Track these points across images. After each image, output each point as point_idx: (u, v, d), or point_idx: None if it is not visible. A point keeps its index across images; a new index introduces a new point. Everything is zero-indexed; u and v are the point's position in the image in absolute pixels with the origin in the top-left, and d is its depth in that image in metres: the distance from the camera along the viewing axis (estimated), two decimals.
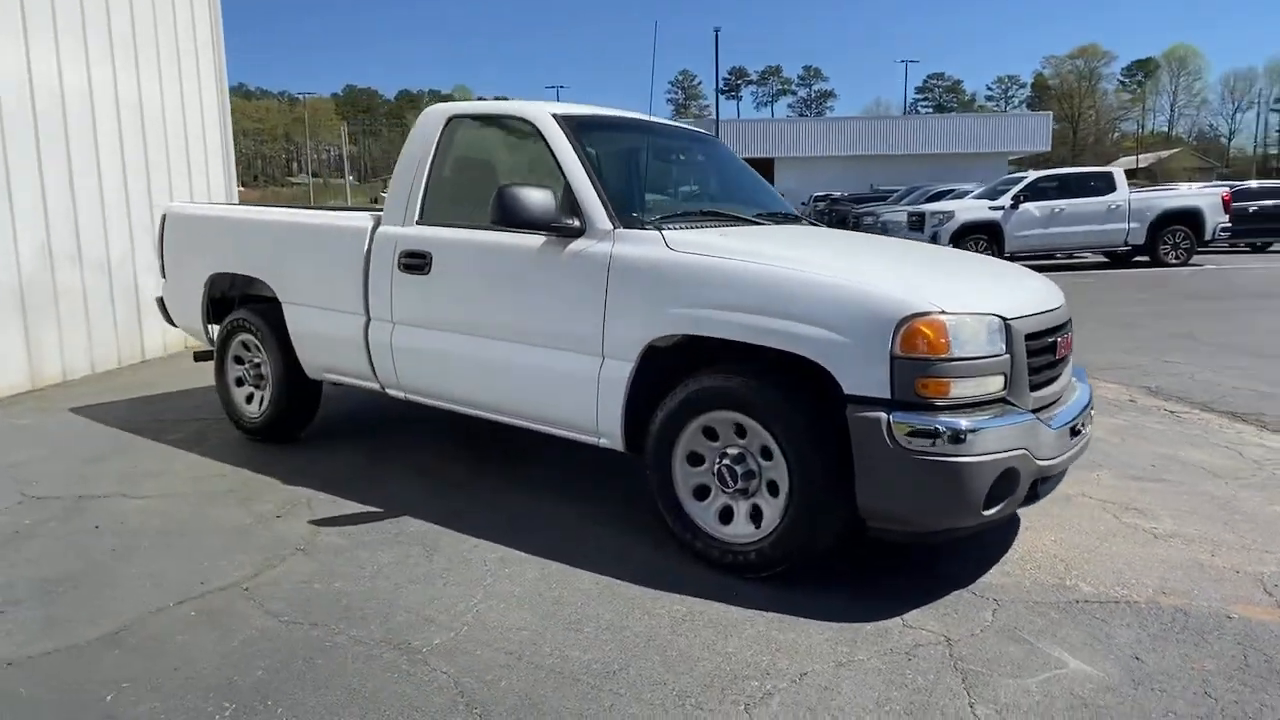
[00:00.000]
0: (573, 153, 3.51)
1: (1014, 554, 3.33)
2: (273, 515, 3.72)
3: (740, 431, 3.05)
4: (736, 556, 3.05)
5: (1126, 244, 15.72)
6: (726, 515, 3.13)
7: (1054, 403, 3.11)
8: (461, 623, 2.76)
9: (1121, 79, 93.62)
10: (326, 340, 4.34)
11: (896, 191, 25.19)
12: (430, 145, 4.00)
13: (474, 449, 4.81)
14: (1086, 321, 8.98)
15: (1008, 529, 3.52)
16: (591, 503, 3.89)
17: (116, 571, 3.16)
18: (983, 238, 15.17)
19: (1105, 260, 17.20)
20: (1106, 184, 15.82)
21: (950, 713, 2.28)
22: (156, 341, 7.75)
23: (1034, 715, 2.27)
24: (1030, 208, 15.37)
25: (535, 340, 3.52)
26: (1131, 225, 15.53)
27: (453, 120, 4.01)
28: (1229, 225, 15.95)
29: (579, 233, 3.38)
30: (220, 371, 4.99)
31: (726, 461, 3.07)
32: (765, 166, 35.53)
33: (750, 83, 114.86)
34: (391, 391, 4.18)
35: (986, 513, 2.75)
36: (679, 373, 3.21)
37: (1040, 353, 3.02)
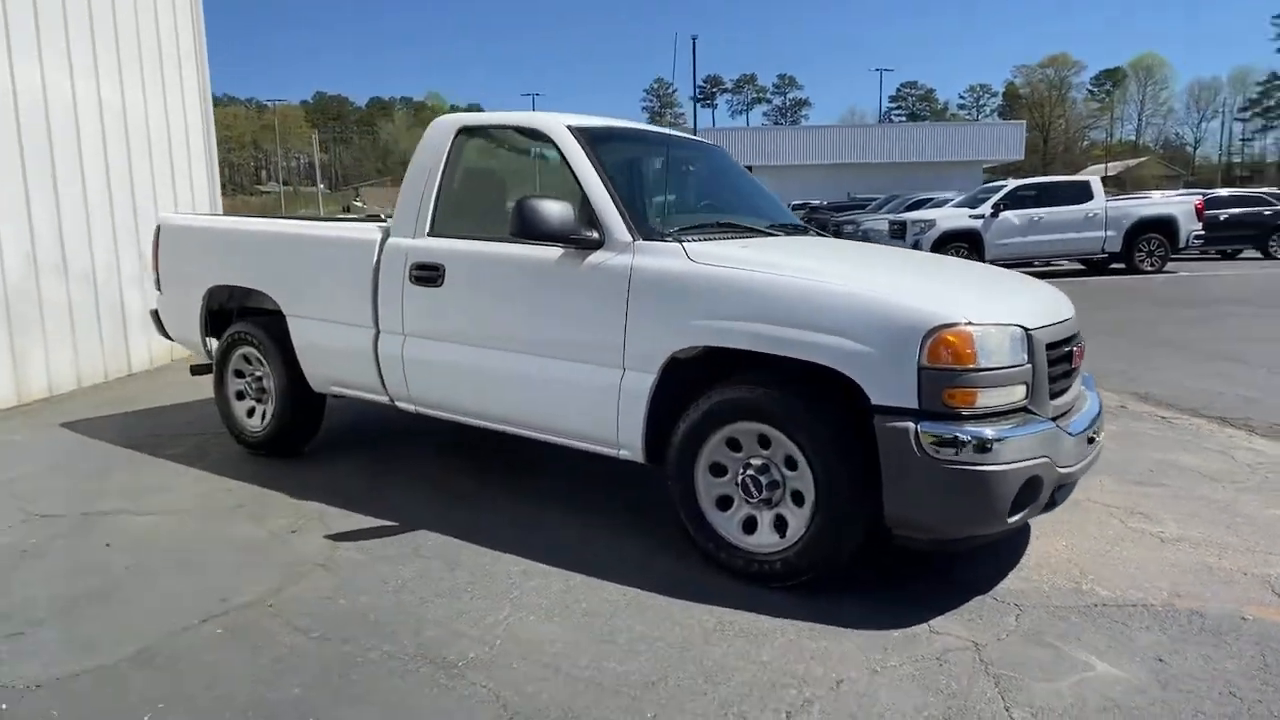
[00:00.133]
0: (590, 165, 3.53)
1: (1029, 559, 3.38)
2: (287, 530, 3.69)
3: (764, 442, 3.08)
4: (762, 566, 3.07)
5: (1103, 251, 15.99)
6: (750, 525, 3.15)
7: (1069, 411, 3.17)
8: (493, 636, 2.76)
9: (1090, 88, 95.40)
10: (333, 353, 4.31)
11: (875, 200, 25.45)
12: (440, 157, 4.00)
13: (478, 460, 4.80)
14: None
15: (1020, 535, 3.58)
16: (603, 513, 3.90)
17: (135, 589, 3.13)
18: (963, 246, 15.36)
19: (1082, 268, 17.47)
20: (1084, 193, 16.11)
21: (988, 716, 2.32)
22: (142, 355, 7.65)
23: (1068, 717, 2.31)
24: (1010, 216, 15.61)
25: (553, 352, 3.53)
26: (1108, 233, 15.82)
27: (463, 131, 4.01)
28: (1202, 233, 16.29)
29: (597, 245, 3.40)
30: (220, 385, 4.94)
31: (751, 472, 3.10)
32: None
33: (726, 91, 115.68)
34: (401, 404, 4.16)
35: (1011, 519, 2.80)
36: (699, 384, 3.23)
37: (1057, 362, 3.08)
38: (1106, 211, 15.90)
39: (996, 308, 2.90)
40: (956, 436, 2.68)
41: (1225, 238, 19.20)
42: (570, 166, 3.56)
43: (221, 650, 2.67)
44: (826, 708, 2.36)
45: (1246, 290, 13.53)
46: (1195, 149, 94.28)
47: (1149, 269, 16.03)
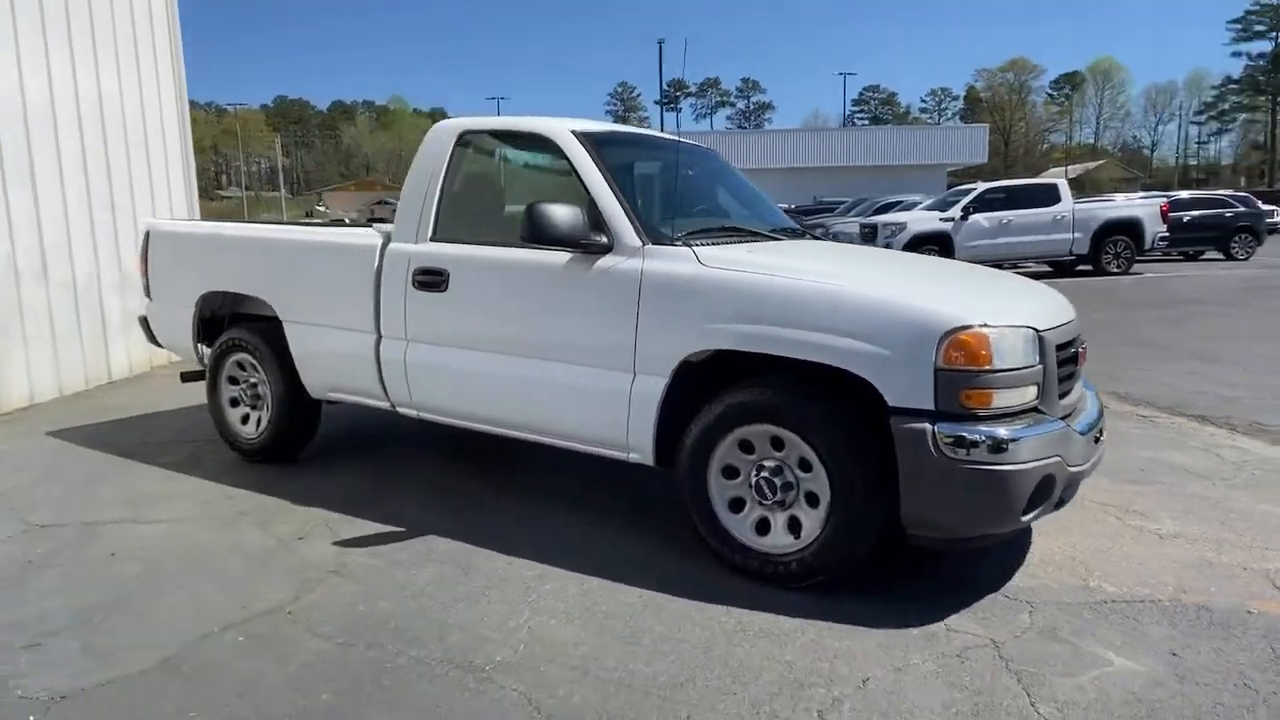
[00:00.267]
0: (596, 170, 3.54)
1: (1033, 558, 3.45)
2: (294, 537, 3.66)
3: (777, 444, 3.12)
4: (777, 567, 3.10)
5: (1071, 254, 16.31)
6: (763, 527, 3.19)
7: (1073, 411, 3.25)
8: (517, 639, 2.76)
9: (1050, 92, 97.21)
10: (333, 359, 4.28)
11: (842, 203, 25.69)
12: (441, 162, 3.99)
13: (477, 463, 4.80)
14: None
15: (1023, 534, 3.65)
16: (607, 514, 3.93)
17: (149, 599, 3.09)
18: (934, 248, 15.55)
19: (1049, 270, 17.80)
20: (1051, 195, 16.43)
21: (1015, 712, 2.37)
22: (123, 362, 7.51)
23: (1094, 712, 2.37)
24: (979, 219, 15.86)
25: (561, 356, 3.54)
26: (1075, 235, 16.14)
27: (464, 136, 4.01)
28: (1167, 235, 16.68)
29: (606, 249, 3.41)
30: (213, 392, 4.88)
31: (764, 474, 3.14)
32: None
33: (689, 95, 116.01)
34: (403, 410, 4.14)
35: (1025, 518, 2.86)
36: (708, 387, 3.26)
37: (1063, 363, 3.15)
38: (1074, 214, 16.23)
39: (1009, 310, 2.96)
40: (973, 437, 2.73)
41: (1188, 239, 19.67)
42: (576, 172, 3.57)
43: (247, 658, 2.65)
44: (856, 706, 2.40)
45: (1211, 291, 13.87)
46: (1152, 152, 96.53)
47: (1116, 270, 16.38)
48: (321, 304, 4.29)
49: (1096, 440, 3.25)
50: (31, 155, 6.45)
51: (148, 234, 5.15)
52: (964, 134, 41.58)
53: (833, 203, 27.46)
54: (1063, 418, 3.10)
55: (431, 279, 3.84)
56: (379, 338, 4.07)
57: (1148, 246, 16.52)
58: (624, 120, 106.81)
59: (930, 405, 2.78)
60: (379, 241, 4.08)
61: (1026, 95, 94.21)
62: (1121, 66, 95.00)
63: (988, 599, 3.07)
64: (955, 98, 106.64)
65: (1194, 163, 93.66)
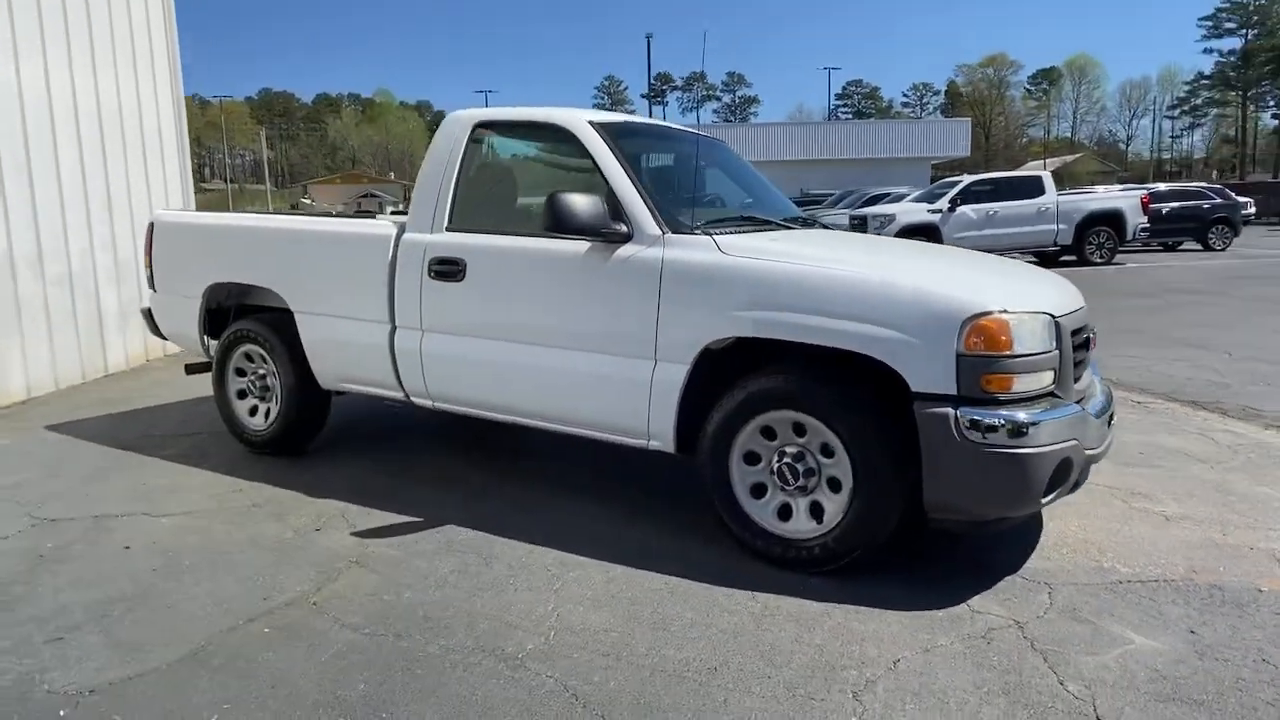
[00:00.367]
0: (615, 160, 3.55)
1: (1046, 540, 3.51)
2: (311, 529, 3.65)
3: (799, 430, 3.14)
4: (800, 551, 3.13)
5: (1055, 244, 16.50)
6: (784, 512, 3.22)
7: (1084, 396, 3.29)
8: (546, 627, 2.78)
9: (1028, 87, 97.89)
10: (346, 350, 4.26)
11: (830, 195, 25.78)
12: (456, 152, 3.98)
13: (485, 452, 4.80)
14: None
15: (1034, 516, 3.70)
16: (621, 502, 3.95)
17: (169, 591, 3.07)
18: (922, 240, 15.67)
19: (1035, 260, 17.96)
20: (1036, 187, 16.62)
21: (1044, 689, 2.41)
22: (119, 355, 7.44)
23: (1120, 689, 2.42)
24: (966, 210, 16.01)
25: (581, 345, 3.54)
26: (1060, 226, 16.33)
27: (479, 127, 4.00)
28: (1148, 226, 16.89)
29: (626, 238, 3.42)
30: (220, 384, 4.85)
31: (786, 460, 3.16)
32: None
33: (675, 88, 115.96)
34: (418, 400, 4.13)
35: (1044, 500, 2.91)
36: (727, 375, 3.28)
37: (1076, 349, 3.20)
38: (1058, 206, 16.41)
39: (1026, 296, 3.00)
40: (995, 421, 2.77)
41: (1167, 230, 19.95)
42: (595, 162, 3.57)
43: (276, 649, 2.64)
44: (889, 686, 2.43)
45: (1192, 280, 14.06)
46: (1127, 146, 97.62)
47: (1099, 260, 16.58)
48: (334, 295, 4.27)
49: (1109, 424, 3.30)
50: (29, 150, 6.36)
51: (152, 225, 5.10)
52: (947, 128, 41.77)
53: (820, 195, 27.55)
54: (1078, 401, 3.15)
55: (448, 269, 3.83)
56: (393, 328, 4.06)
57: (1129, 237, 16.74)
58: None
59: (952, 390, 2.82)
60: (393, 232, 4.07)
61: (1005, 90, 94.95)
62: (1097, 62, 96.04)
63: (1006, 581, 3.12)
64: (936, 92, 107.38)
65: (1167, 156, 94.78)
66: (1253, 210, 28.12)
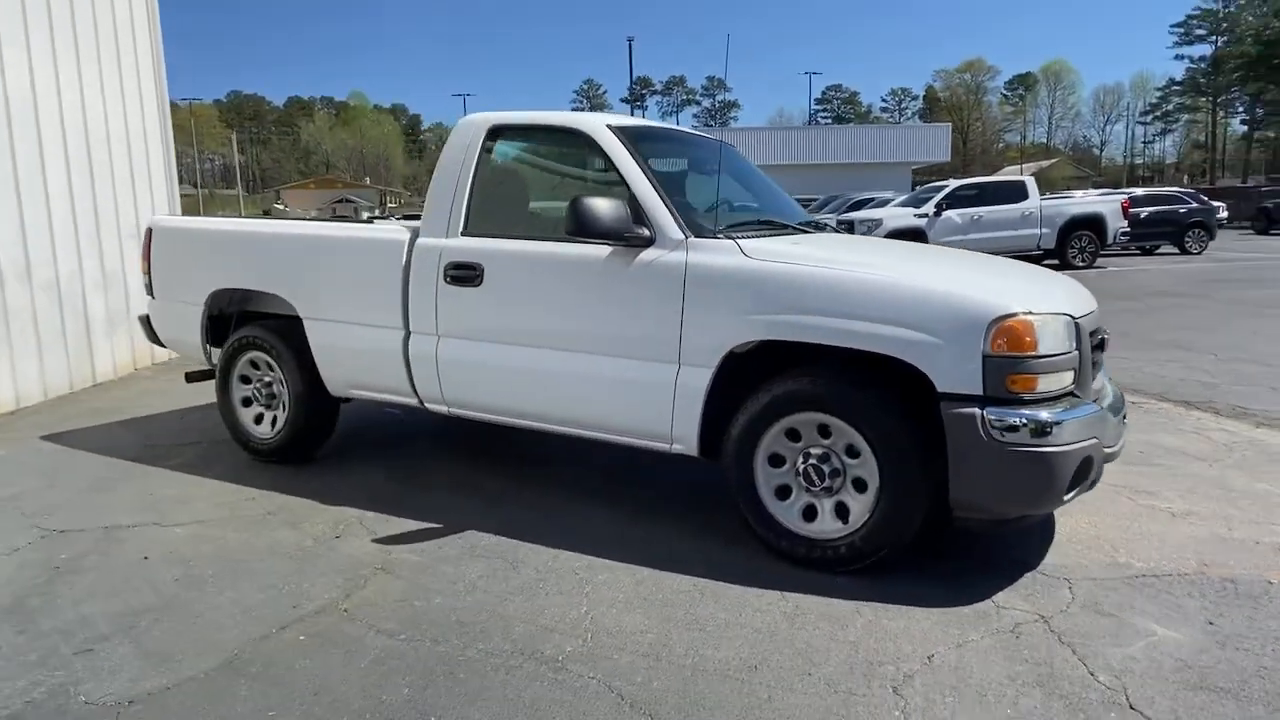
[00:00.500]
0: (635, 164, 3.58)
1: (1060, 537, 3.57)
2: (330, 536, 3.64)
3: (824, 432, 3.18)
4: (826, 551, 3.17)
5: (1039, 248, 16.71)
6: (809, 513, 3.25)
7: (1099, 396, 3.36)
8: (583, 629, 2.79)
9: (1004, 92, 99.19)
10: (358, 356, 4.25)
11: (815, 200, 25.96)
12: (471, 156, 3.98)
13: (492, 457, 4.81)
14: None
15: (1046, 514, 3.76)
16: (637, 505, 3.98)
17: (193, 601, 3.05)
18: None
19: None
20: (1020, 192, 16.85)
21: (1076, 680, 2.46)
22: (107, 364, 7.35)
23: (1149, 679, 2.47)
24: (952, 215, 16.19)
25: (603, 349, 3.56)
26: (1043, 230, 16.56)
27: (494, 130, 4.01)
28: (1128, 230, 17.16)
29: (649, 242, 3.45)
30: (224, 392, 4.81)
31: (811, 461, 3.20)
32: None
33: (655, 93, 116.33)
34: (432, 406, 4.13)
35: (1066, 498, 2.96)
36: (749, 378, 3.32)
37: (1093, 349, 3.26)
38: (1041, 210, 16.63)
39: (1047, 299, 3.06)
40: (1020, 421, 2.82)
41: (1145, 234, 20.22)
42: (616, 166, 3.60)
43: (312, 657, 2.64)
44: (927, 681, 2.47)
45: (1171, 283, 14.30)
46: (1102, 151, 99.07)
47: (1080, 264, 16.82)
48: (345, 301, 4.26)
49: (1123, 422, 3.37)
50: (14, 156, 6.29)
51: (150, 230, 5.05)
52: (928, 133, 42.21)
53: (805, 199, 27.72)
54: (1095, 400, 3.21)
55: (465, 274, 3.83)
56: (407, 334, 4.06)
57: (1110, 241, 17.01)
58: None
59: (979, 390, 2.87)
60: (406, 236, 4.06)
61: (982, 95, 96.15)
62: (1072, 68, 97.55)
63: (1027, 577, 3.17)
64: (915, 97, 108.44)
65: (1140, 161, 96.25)
66: (1225, 215, 28.61)
